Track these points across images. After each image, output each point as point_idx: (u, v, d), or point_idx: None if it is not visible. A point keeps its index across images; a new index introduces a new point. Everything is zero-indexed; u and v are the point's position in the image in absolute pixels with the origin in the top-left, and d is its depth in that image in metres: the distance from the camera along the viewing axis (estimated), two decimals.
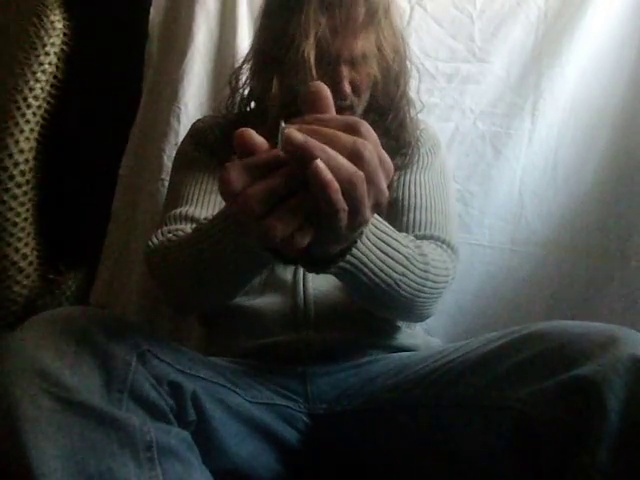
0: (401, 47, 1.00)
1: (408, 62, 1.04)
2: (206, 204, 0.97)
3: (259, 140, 0.48)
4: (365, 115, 1.00)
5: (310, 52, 0.89)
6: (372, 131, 0.50)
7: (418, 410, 0.80)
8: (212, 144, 1.04)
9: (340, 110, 0.91)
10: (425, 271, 0.82)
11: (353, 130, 0.49)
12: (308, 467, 0.87)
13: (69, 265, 1.23)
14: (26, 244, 1.18)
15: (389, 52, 0.96)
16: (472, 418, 0.73)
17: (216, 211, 0.95)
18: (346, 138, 0.48)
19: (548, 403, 0.63)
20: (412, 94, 1.08)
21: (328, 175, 0.46)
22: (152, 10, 1.43)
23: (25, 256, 1.18)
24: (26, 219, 1.18)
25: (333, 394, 0.90)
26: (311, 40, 0.89)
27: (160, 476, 0.61)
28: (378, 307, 0.86)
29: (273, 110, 0.94)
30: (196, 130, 1.09)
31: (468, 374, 0.75)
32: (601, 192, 1.32)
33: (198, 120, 1.13)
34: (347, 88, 0.93)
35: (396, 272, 0.76)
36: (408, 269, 0.78)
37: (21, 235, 1.17)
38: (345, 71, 0.93)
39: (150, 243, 0.90)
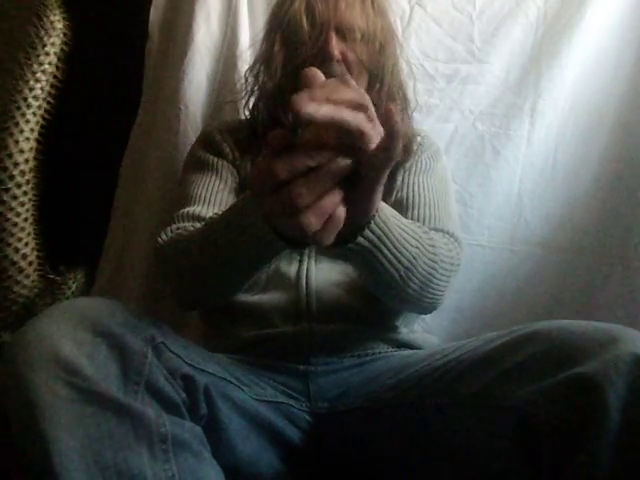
0: (388, 30, 1.07)
1: (404, 56, 1.11)
2: (212, 204, 1.01)
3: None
4: None
5: (301, 5, 1.01)
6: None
7: (419, 409, 0.80)
8: (220, 145, 1.09)
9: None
10: (433, 246, 0.85)
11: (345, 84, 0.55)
12: (310, 465, 0.87)
13: (69, 265, 1.23)
14: (26, 244, 1.17)
15: (378, 32, 1.03)
16: (473, 417, 0.73)
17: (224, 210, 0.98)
18: (346, 90, 0.54)
19: (549, 402, 0.63)
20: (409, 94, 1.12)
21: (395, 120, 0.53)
22: (152, 10, 1.43)
23: (25, 256, 1.17)
24: (26, 219, 1.17)
25: (335, 393, 0.90)
26: None
27: (174, 468, 0.62)
28: (392, 292, 0.84)
29: (277, 68, 1.04)
30: (205, 133, 1.15)
31: (469, 373, 0.75)
32: (601, 192, 1.32)
33: (207, 125, 1.21)
34: (336, 51, 0.99)
35: (412, 245, 0.78)
36: (421, 244, 0.81)
37: (21, 235, 1.17)
38: (334, 38, 1.00)
39: (159, 239, 0.93)
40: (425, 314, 1.02)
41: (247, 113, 1.15)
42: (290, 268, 0.98)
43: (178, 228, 0.94)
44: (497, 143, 1.37)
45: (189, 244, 0.87)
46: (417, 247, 0.80)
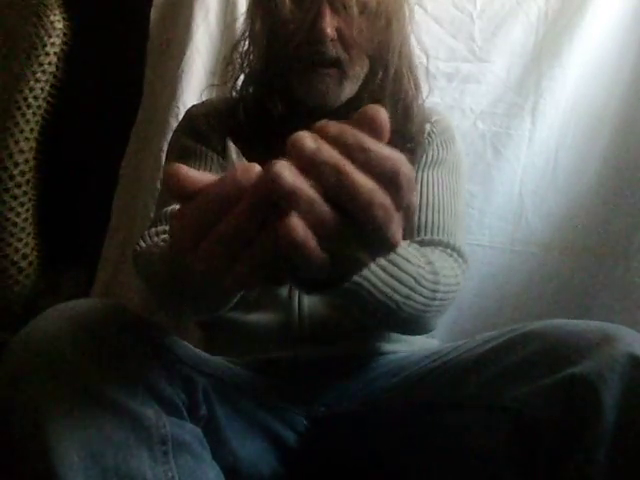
0: (397, 7, 0.92)
1: (414, 38, 0.99)
2: None
3: (194, 177, 0.41)
4: (360, 93, 0.92)
5: None
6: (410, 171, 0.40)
7: (416, 410, 0.80)
8: (205, 132, 0.98)
9: (323, 62, 0.87)
10: (434, 291, 0.77)
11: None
12: (308, 467, 0.87)
13: (69, 265, 1.23)
14: (26, 244, 1.18)
15: (382, 3, 0.88)
16: (470, 417, 0.73)
17: None
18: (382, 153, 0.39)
19: (545, 402, 0.63)
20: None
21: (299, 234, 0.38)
22: (152, 10, 1.43)
23: (25, 256, 1.18)
24: (26, 219, 1.18)
25: (332, 397, 0.90)
26: None
27: (174, 470, 0.61)
28: (377, 325, 0.86)
29: (259, 49, 0.93)
30: (190, 116, 1.03)
31: (465, 374, 0.74)
32: (601, 192, 1.31)
33: (193, 106, 1.07)
34: (329, 28, 0.84)
35: (400, 294, 0.71)
36: (414, 291, 0.73)
37: (21, 235, 1.17)
38: (328, 13, 0.84)
39: (137, 246, 0.87)
40: (417, 335, 0.94)
41: (235, 94, 1.02)
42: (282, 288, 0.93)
43: (157, 233, 0.86)
44: (498, 143, 1.36)
45: (152, 267, 0.79)
46: (408, 296, 0.72)
